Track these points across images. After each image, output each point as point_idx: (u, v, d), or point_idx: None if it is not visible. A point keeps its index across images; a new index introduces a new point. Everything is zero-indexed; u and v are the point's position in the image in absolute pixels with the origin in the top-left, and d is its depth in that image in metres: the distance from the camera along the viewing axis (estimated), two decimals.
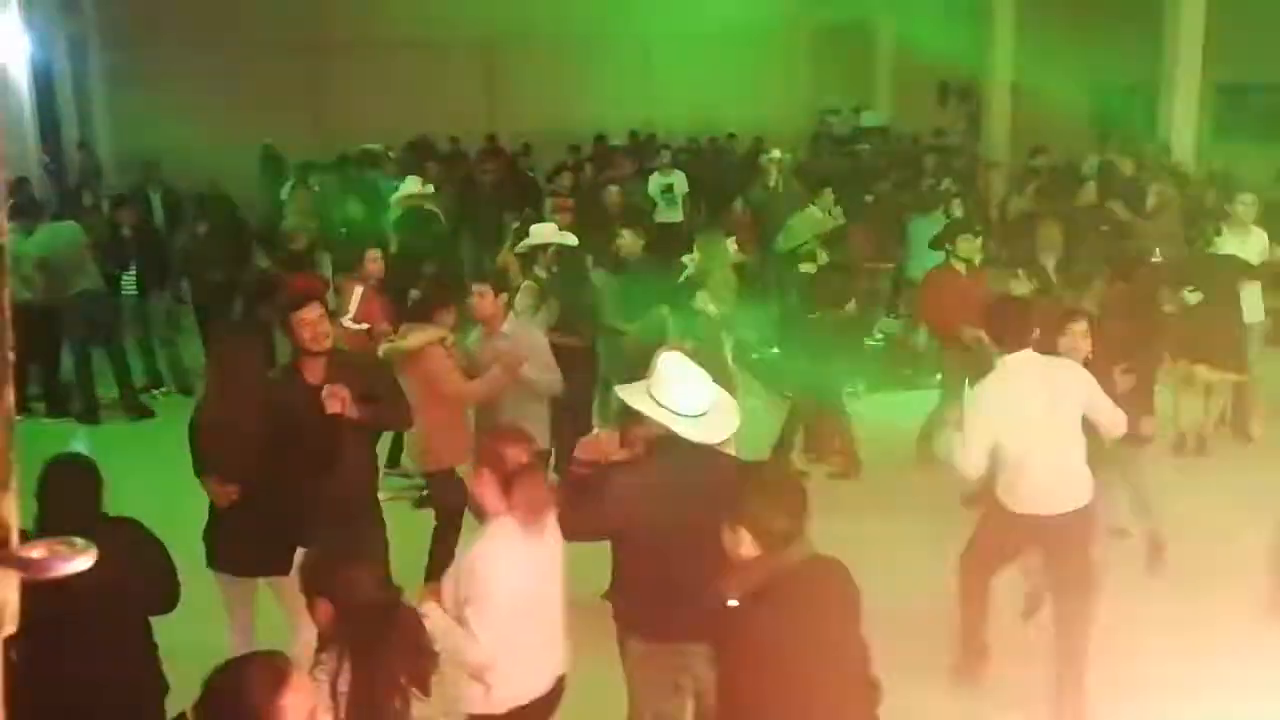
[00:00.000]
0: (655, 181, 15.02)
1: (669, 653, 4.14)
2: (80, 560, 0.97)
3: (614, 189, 12.37)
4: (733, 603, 3.16)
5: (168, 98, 24.19)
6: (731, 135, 19.61)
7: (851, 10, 24.17)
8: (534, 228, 8.40)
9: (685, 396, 3.93)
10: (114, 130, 22.07)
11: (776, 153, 16.30)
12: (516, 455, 3.79)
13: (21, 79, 14.53)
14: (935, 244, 9.52)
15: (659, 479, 3.98)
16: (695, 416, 3.91)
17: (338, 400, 5.05)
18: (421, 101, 22.86)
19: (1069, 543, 5.16)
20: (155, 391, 10.99)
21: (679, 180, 15.03)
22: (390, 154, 16.85)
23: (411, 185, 11.69)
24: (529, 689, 3.90)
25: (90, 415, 10.17)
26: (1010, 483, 5.20)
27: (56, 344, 10.21)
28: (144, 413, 10.41)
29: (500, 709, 3.84)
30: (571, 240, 8.25)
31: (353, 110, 23.84)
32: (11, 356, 0.93)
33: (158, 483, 6.66)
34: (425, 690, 3.27)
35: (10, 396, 0.95)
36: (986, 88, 20.55)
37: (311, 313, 5.28)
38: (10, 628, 0.95)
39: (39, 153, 16.57)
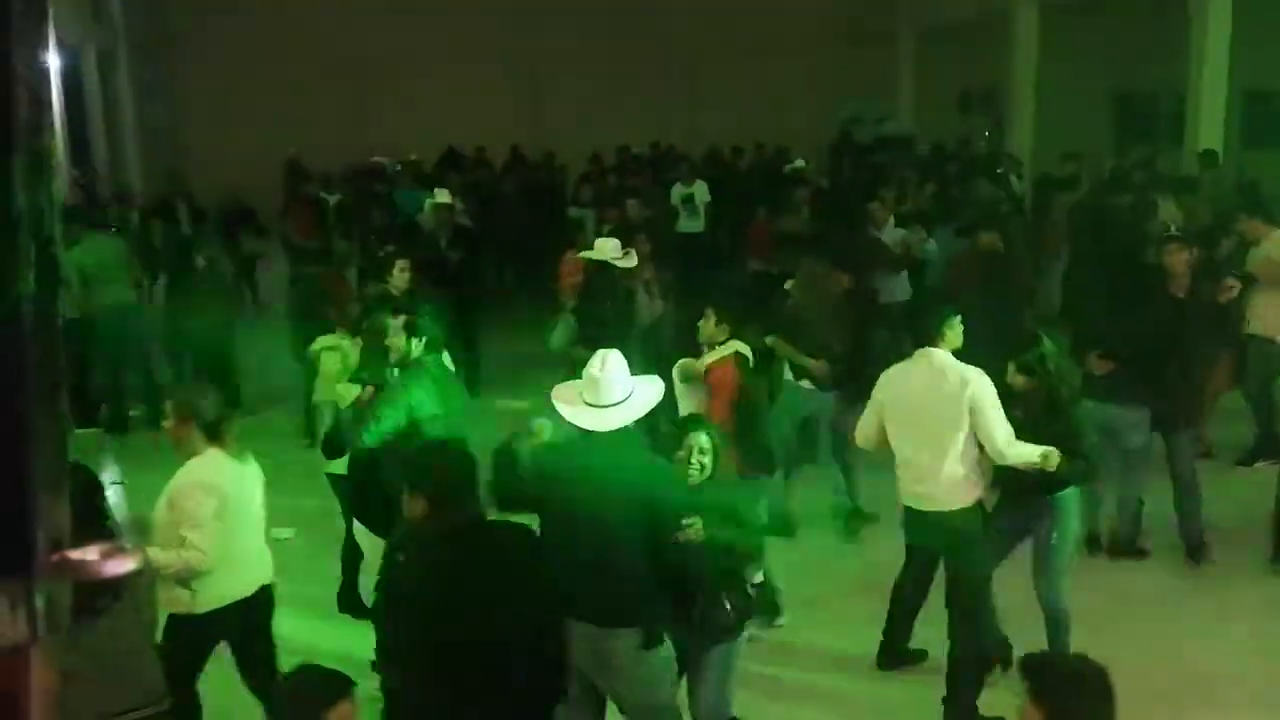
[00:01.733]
0: (677, 192, 15.05)
1: None
2: (128, 562, 1.01)
3: (633, 201, 12.32)
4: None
5: (195, 110, 24.50)
6: (760, 145, 19.63)
7: (875, 19, 24.20)
8: (598, 242, 8.31)
9: (591, 388, 4.28)
10: (141, 142, 22.29)
11: (800, 162, 16.34)
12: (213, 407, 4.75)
13: (51, 92, 14.73)
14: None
15: None
16: (601, 407, 4.25)
17: None
18: (451, 115, 23.00)
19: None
20: None
21: (700, 190, 15.04)
22: (398, 167, 16.92)
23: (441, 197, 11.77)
24: (232, 592, 4.74)
25: (119, 426, 10.27)
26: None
27: (85, 354, 10.32)
28: None
29: (204, 608, 4.66)
30: (629, 262, 8.16)
31: (381, 124, 24.01)
32: None
33: None
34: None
35: (64, 405, 1.00)
36: (1010, 95, 20.50)
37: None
38: (62, 628, 1.00)
39: (68, 165, 16.75)
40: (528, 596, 3.92)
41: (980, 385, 5.19)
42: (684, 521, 4.19)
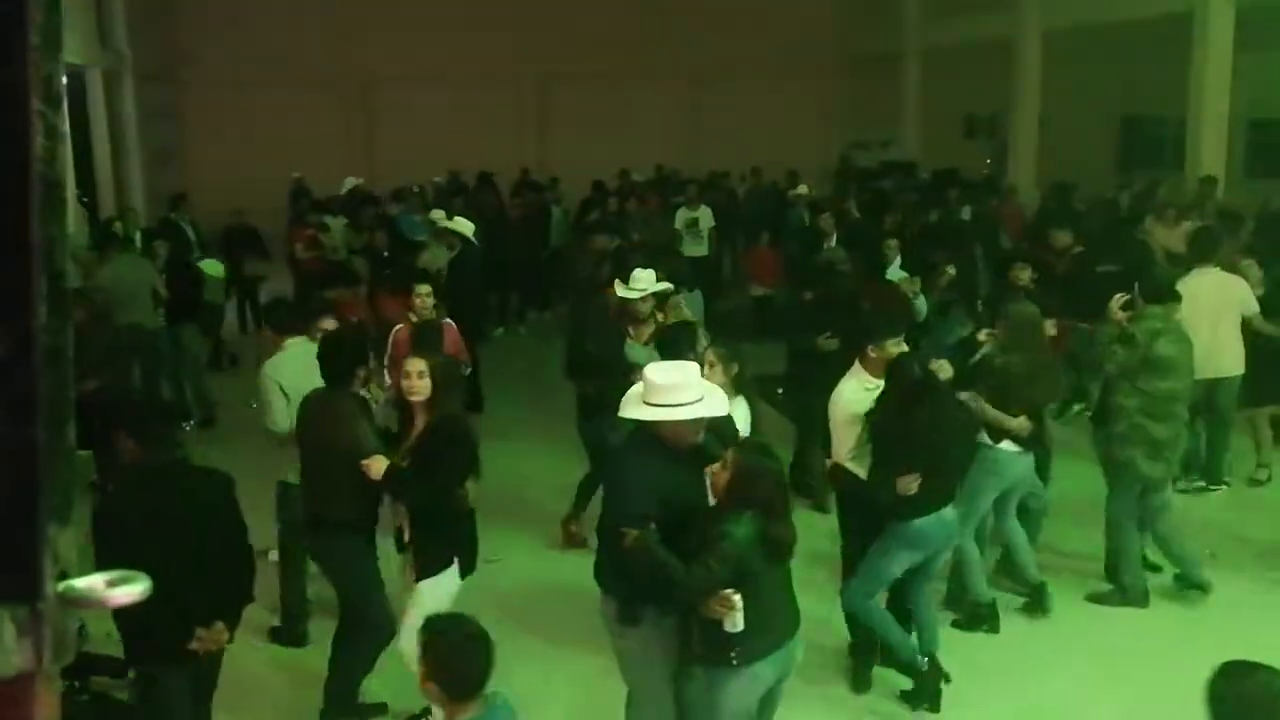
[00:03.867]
0: (681, 216, 15.08)
1: None
2: (134, 591, 1.02)
3: (600, 237, 11.92)
4: None
5: (199, 132, 24.62)
6: (756, 170, 19.68)
7: (880, 43, 24.32)
8: (635, 272, 7.81)
9: (650, 391, 4.60)
10: (146, 162, 22.39)
11: (803, 188, 16.38)
12: None
13: (65, 122, 14.78)
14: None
15: None
16: (656, 407, 4.56)
17: None
18: (454, 137, 23.11)
19: None
20: (185, 425, 11.09)
21: (704, 215, 15.06)
22: (416, 189, 16.95)
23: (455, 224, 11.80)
24: None
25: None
26: None
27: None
28: None
29: None
30: (629, 292, 7.70)
31: (387, 144, 24.12)
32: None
33: None
34: None
35: (72, 435, 1.01)
36: (1013, 120, 20.57)
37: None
38: (69, 656, 1.00)
39: (74, 187, 16.81)
40: (210, 530, 4.57)
41: (837, 403, 5.87)
42: (623, 529, 4.42)
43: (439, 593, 5.17)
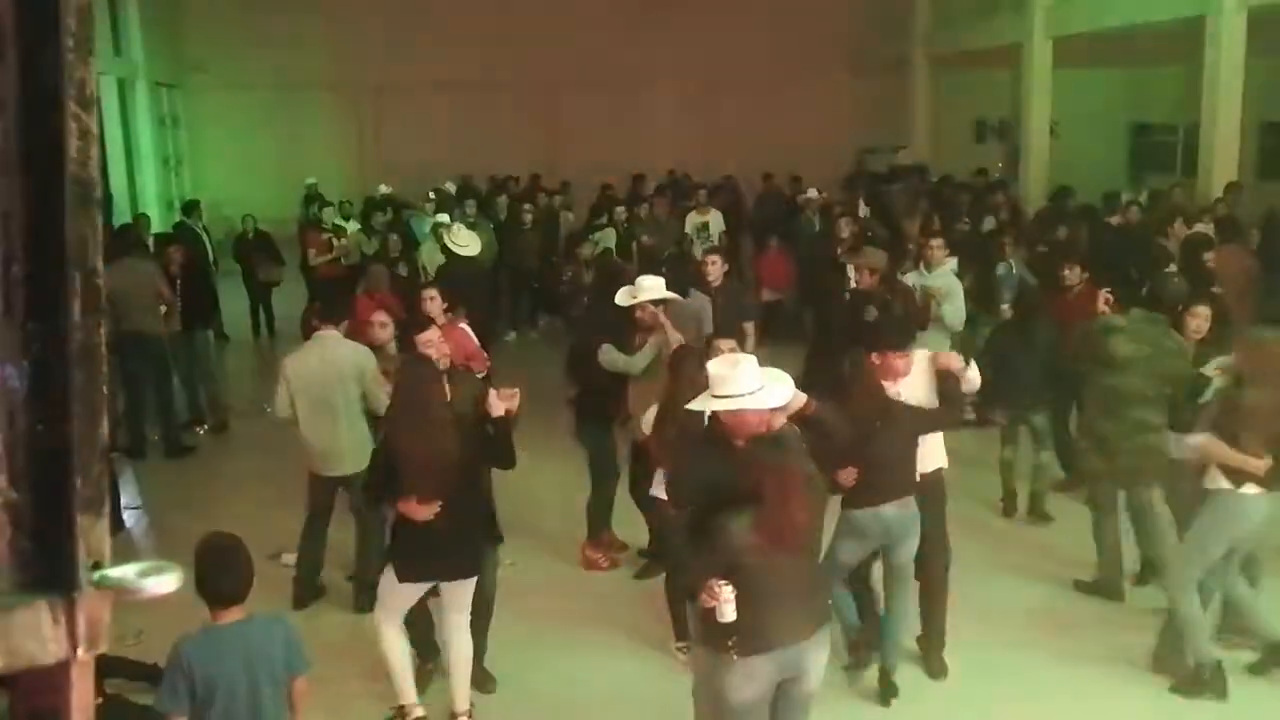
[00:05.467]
0: (691, 220, 15.08)
1: None
2: (167, 581, 1.05)
3: (584, 246, 12.42)
4: None
5: (213, 138, 24.73)
6: (767, 175, 19.67)
7: (889, 48, 24.32)
8: (640, 279, 7.72)
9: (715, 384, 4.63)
10: (159, 170, 22.51)
11: (813, 192, 16.37)
12: None
13: (97, 125, 14.88)
14: None
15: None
16: (720, 397, 4.57)
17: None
18: (465, 142, 23.17)
19: None
20: (199, 429, 11.15)
21: (714, 219, 15.06)
22: (431, 194, 17.04)
23: (451, 231, 11.84)
24: None
25: (137, 451, 10.32)
26: None
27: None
28: (185, 450, 10.54)
29: None
30: (667, 294, 7.64)
31: (397, 150, 24.18)
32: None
33: (199, 517, 6.78)
34: None
35: (105, 430, 1.04)
36: (1024, 125, 20.55)
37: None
38: (102, 645, 1.03)
39: None
40: None
41: None
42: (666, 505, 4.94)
43: (387, 585, 5.53)
